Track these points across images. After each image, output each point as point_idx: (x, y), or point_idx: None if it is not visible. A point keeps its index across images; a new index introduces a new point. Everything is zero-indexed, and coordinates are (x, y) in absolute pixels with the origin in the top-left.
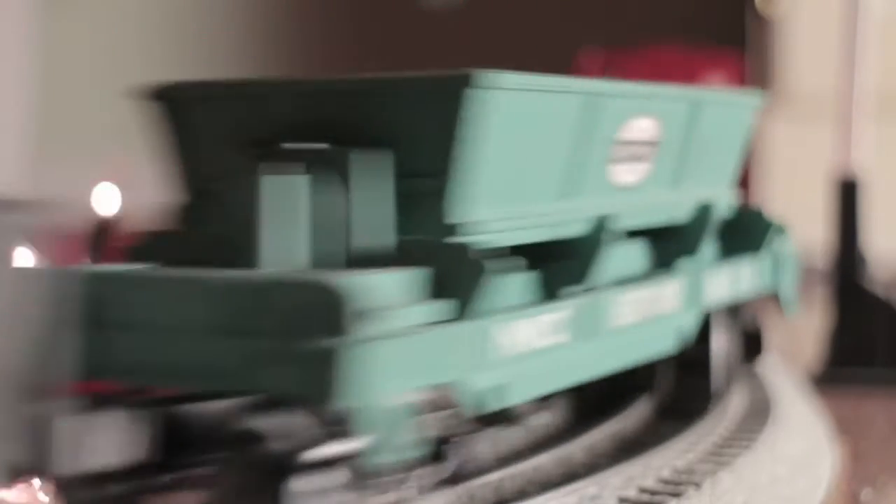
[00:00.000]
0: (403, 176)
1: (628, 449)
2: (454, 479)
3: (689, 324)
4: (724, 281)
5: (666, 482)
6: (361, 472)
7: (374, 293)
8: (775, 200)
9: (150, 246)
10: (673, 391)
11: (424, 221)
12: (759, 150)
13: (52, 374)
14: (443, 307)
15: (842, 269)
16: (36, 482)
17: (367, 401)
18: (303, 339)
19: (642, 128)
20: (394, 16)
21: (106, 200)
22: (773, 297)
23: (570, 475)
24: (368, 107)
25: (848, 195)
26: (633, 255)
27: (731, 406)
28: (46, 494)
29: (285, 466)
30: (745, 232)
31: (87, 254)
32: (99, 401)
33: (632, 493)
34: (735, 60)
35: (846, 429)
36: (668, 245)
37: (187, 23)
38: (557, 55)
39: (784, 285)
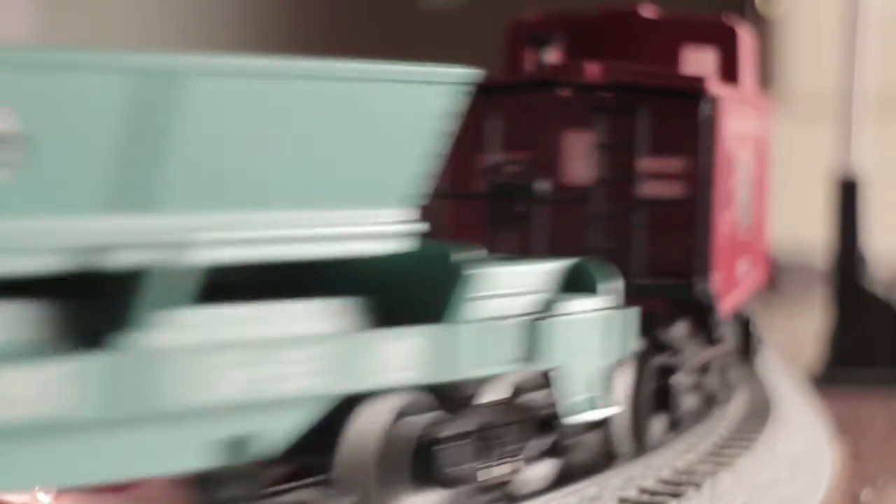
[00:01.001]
0: None
1: None
2: None
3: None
4: (312, 361)
5: (666, 482)
6: None
7: None
8: (775, 200)
9: None
10: None
11: None
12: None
13: None
14: None
15: (842, 269)
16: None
17: None
18: None
19: None
20: (393, 15)
21: None
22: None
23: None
24: None
25: (848, 195)
26: None
27: (731, 406)
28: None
29: None
30: (426, 285)
31: None
32: None
33: (632, 493)
34: (730, 32)
35: (846, 429)
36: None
37: (188, 22)
38: None
39: (564, 374)
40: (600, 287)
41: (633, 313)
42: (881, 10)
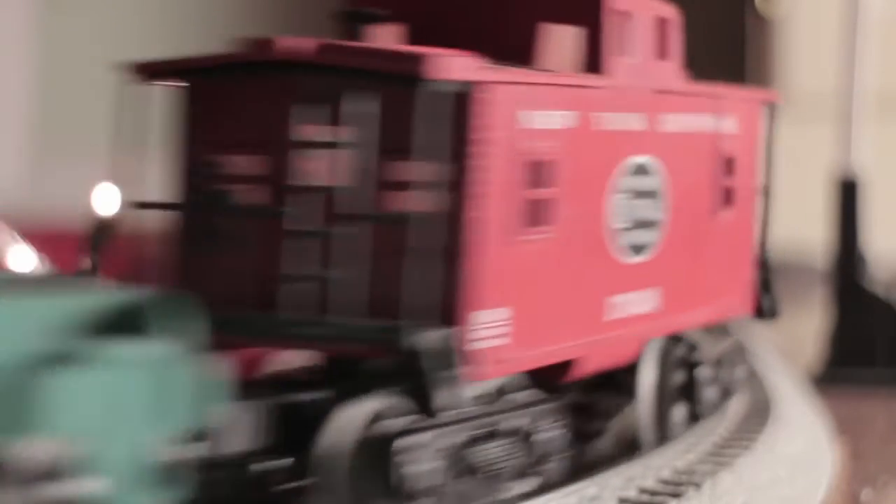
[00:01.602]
0: None
1: None
2: None
3: None
4: None
5: (666, 482)
6: None
7: None
8: (775, 200)
9: None
10: None
11: None
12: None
13: None
14: None
15: (842, 269)
16: None
17: None
18: None
19: None
20: None
21: (106, 200)
22: None
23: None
24: None
25: (848, 195)
26: None
27: (731, 406)
28: None
29: None
30: None
31: (86, 255)
32: None
33: (632, 493)
34: (595, 6)
35: (846, 429)
36: None
37: (189, 24)
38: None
39: (80, 449)
40: (158, 330)
41: (218, 369)
42: (881, 10)
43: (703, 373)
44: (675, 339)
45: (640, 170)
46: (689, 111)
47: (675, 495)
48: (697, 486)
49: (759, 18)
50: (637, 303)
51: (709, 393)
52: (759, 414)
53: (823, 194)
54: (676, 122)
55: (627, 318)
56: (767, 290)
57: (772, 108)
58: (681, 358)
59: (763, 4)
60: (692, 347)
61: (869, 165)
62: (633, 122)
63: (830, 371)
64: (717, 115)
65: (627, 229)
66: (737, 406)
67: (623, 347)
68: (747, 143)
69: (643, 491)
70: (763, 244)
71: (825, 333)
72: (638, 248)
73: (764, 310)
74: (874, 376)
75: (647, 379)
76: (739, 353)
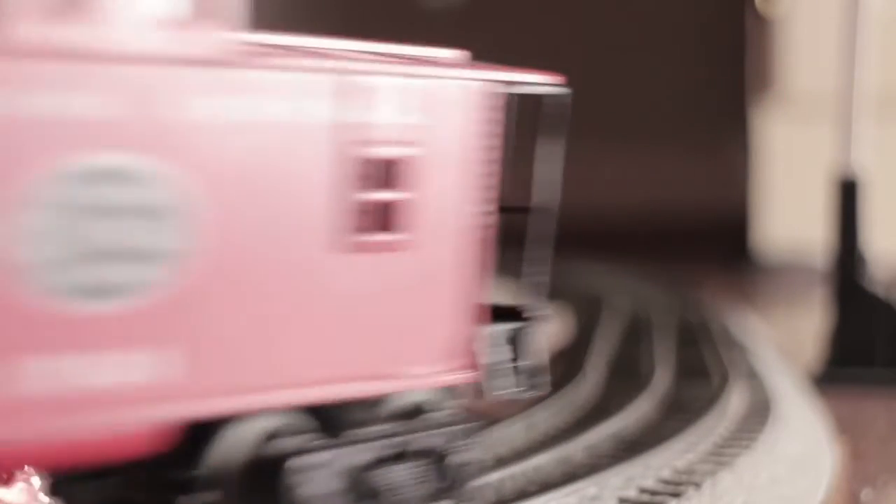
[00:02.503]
0: None
1: None
2: None
3: None
4: None
5: (666, 482)
6: None
7: None
8: (775, 200)
9: None
10: None
11: None
12: (758, 151)
13: None
14: None
15: (842, 269)
16: (35, 481)
17: None
18: None
19: None
20: (395, 14)
21: None
22: None
23: (570, 475)
24: None
25: (848, 195)
26: None
27: (731, 406)
28: (46, 494)
29: None
30: None
31: None
32: None
33: (632, 493)
34: None
35: (846, 429)
36: None
37: None
38: (561, 53)
39: None
40: None
41: None
42: (881, 10)
43: (300, 466)
44: (273, 418)
45: (109, 175)
46: (252, 92)
47: (675, 495)
48: (697, 486)
49: (759, 18)
50: (108, 369)
51: (320, 494)
52: (759, 414)
53: (823, 194)
54: (220, 109)
55: (82, 393)
56: (517, 357)
57: (543, 93)
58: (272, 447)
59: (763, 4)
60: (312, 429)
61: (869, 165)
62: (79, 105)
63: (830, 371)
64: (352, 100)
65: (66, 262)
66: (737, 406)
67: (90, 434)
68: (447, 142)
69: (643, 491)
70: (527, 291)
71: (825, 333)
72: (102, 291)
73: (490, 382)
74: (874, 376)
75: (197, 475)
76: (462, 438)
